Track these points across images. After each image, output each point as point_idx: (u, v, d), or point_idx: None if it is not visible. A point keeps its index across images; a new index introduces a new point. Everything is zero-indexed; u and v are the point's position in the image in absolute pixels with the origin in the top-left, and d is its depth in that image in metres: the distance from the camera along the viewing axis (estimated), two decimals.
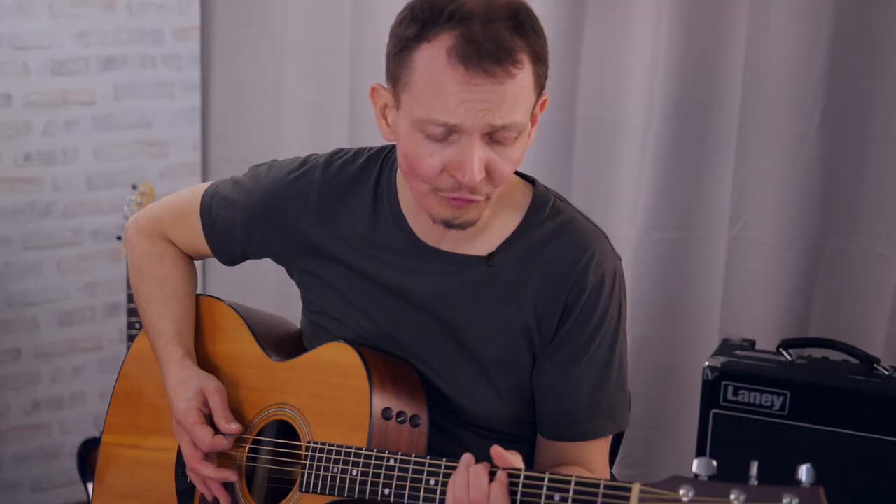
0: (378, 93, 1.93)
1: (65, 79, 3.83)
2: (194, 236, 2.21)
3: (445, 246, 2.00)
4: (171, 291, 2.22)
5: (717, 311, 3.33)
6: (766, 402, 2.81)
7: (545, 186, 2.06)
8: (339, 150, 2.11)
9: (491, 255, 1.99)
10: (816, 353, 2.96)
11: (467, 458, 1.78)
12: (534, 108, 1.89)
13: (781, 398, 2.80)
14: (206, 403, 2.08)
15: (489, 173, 1.85)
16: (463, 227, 1.92)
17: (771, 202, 3.23)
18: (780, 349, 2.92)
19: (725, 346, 2.98)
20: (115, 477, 2.27)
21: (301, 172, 2.09)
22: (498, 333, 1.99)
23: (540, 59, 1.85)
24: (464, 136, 1.82)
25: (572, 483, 1.68)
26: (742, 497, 1.51)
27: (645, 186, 3.35)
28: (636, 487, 1.60)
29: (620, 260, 2.06)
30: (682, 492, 1.54)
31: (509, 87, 1.80)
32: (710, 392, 2.85)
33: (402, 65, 1.84)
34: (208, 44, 4.12)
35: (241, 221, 2.13)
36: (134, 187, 3.54)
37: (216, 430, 2.05)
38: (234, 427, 2.04)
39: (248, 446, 2.09)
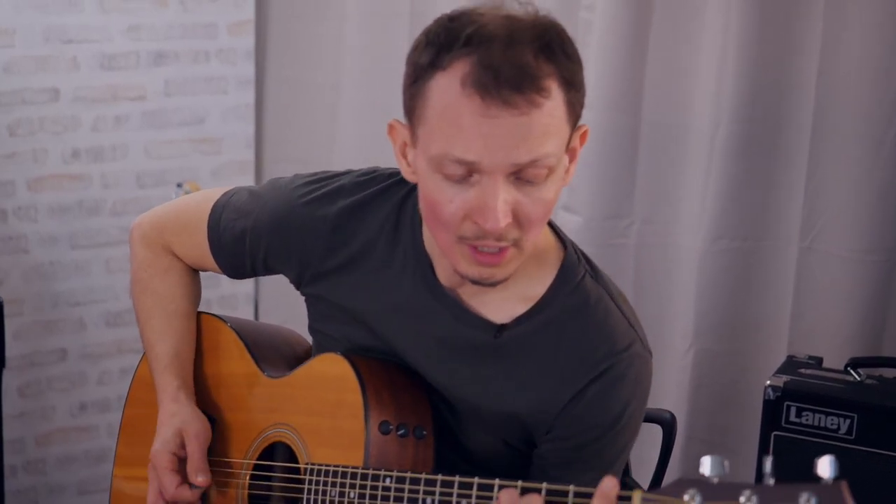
0: (396, 130, 1.75)
1: (114, 73, 3.76)
2: (199, 249, 2.06)
3: (463, 293, 1.83)
4: (174, 311, 2.10)
5: (785, 325, 3.23)
6: (832, 424, 2.69)
7: (577, 254, 1.86)
8: (372, 170, 1.93)
9: (503, 326, 1.82)
10: (889, 373, 2.85)
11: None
12: (570, 141, 1.70)
13: (848, 421, 2.68)
14: (182, 446, 1.97)
15: (517, 218, 1.66)
16: (493, 285, 1.74)
17: (844, 212, 3.13)
18: (849, 368, 2.80)
19: (789, 364, 2.87)
20: None
21: (322, 193, 1.92)
22: (487, 403, 1.83)
23: (573, 86, 1.65)
24: (485, 176, 1.63)
25: (570, 494, 1.56)
26: (754, 498, 1.36)
27: (711, 193, 3.26)
28: (637, 496, 1.47)
29: (651, 356, 1.85)
30: (686, 497, 1.40)
31: (535, 119, 1.61)
32: (772, 413, 2.74)
33: (417, 96, 1.66)
34: (263, 39, 4.04)
35: (252, 234, 1.97)
36: (179, 186, 3.47)
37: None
38: (201, 480, 1.95)
39: (248, 473, 1.97)
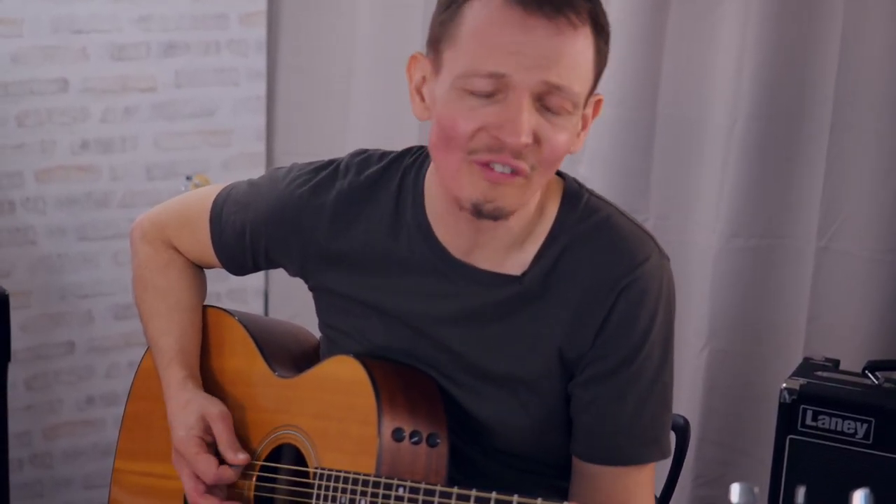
0: (417, 63, 1.75)
1: (124, 64, 3.73)
2: (201, 245, 2.04)
3: (476, 260, 1.81)
4: (175, 304, 2.06)
5: (801, 326, 3.19)
6: (849, 429, 2.65)
7: (577, 181, 1.86)
8: (363, 151, 1.93)
9: (525, 273, 1.79)
10: None
11: None
12: (584, 104, 1.70)
13: (865, 425, 2.64)
14: (208, 430, 1.92)
15: (539, 142, 1.66)
16: (495, 215, 1.71)
17: (864, 210, 3.09)
18: (867, 371, 2.76)
19: (806, 367, 2.83)
20: None
21: (319, 179, 1.91)
22: (527, 354, 1.80)
23: (601, 33, 1.68)
24: (512, 92, 1.64)
25: None
26: None
27: (728, 190, 3.22)
28: None
29: (669, 260, 1.85)
30: None
31: (569, 44, 1.64)
32: (788, 416, 2.70)
33: (448, 21, 1.68)
34: (275, 29, 4.00)
35: (252, 226, 1.96)
36: (188, 178, 3.43)
37: (221, 460, 1.90)
38: (242, 457, 1.90)
39: (255, 474, 1.93)
